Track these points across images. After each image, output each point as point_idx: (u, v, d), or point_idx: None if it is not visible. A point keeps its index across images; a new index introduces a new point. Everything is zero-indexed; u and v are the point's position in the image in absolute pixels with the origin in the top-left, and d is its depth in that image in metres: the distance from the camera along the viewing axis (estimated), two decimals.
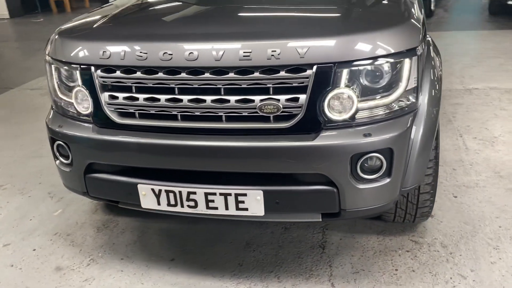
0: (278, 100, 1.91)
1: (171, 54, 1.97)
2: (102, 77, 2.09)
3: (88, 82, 2.13)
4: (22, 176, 3.61)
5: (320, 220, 2.10)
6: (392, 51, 1.91)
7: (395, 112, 1.97)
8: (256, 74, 1.90)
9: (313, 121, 1.93)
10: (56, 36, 2.32)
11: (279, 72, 1.89)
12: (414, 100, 2.01)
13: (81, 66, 2.13)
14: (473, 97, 4.61)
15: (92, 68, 2.10)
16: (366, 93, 1.93)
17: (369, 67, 1.90)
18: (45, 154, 3.94)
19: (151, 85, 2.03)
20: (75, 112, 2.24)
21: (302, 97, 1.90)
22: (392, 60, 1.92)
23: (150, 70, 2.01)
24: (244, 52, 1.90)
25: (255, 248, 2.58)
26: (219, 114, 1.99)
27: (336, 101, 1.91)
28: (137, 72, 2.03)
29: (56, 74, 2.30)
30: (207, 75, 1.95)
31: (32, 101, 5.48)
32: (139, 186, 2.11)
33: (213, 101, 1.97)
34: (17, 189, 3.41)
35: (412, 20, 2.07)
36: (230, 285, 2.33)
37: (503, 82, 4.97)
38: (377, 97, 1.94)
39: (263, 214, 2.02)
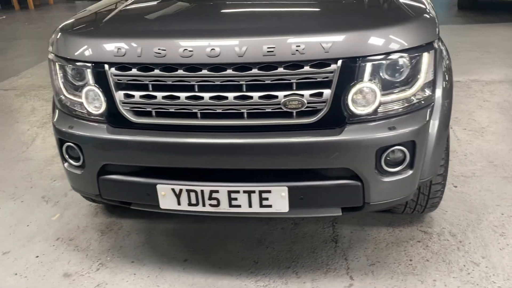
0: (302, 95, 1.91)
1: (192, 51, 1.93)
2: (116, 75, 2.02)
3: (101, 81, 2.06)
4: (11, 180, 3.46)
5: (340, 214, 2.11)
6: (413, 45, 1.93)
7: (414, 105, 2.00)
8: (280, 70, 1.89)
9: (337, 116, 1.93)
10: (61, 33, 2.23)
11: (303, 67, 1.88)
12: (431, 93, 2.05)
13: (93, 64, 2.06)
14: (456, 90, 4.70)
15: (106, 66, 2.03)
16: (387, 86, 1.95)
17: (391, 61, 1.92)
18: (32, 157, 3.80)
19: (170, 82, 1.98)
20: (85, 112, 2.15)
21: (327, 92, 1.90)
22: (413, 54, 1.94)
23: (169, 68, 1.96)
24: (268, 48, 1.88)
25: (268, 245, 2.57)
26: (241, 111, 1.96)
27: (360, 95, 1.92)
28: (155, 70, 1.97)
29: (61, 73, 2.21)
30: (229, 71, 1.92)
31: (7, 102, 5.26)
32: (158, 186, 2.06)
33: (235, 98, 1.94)
34: (8, 194, 3.27)
35: (430, 14, 2.10)
36: (249, 283, 2.31)
37: (483, 74, 5.14)
38: (398, 91, 1.97)
39: (287, 211, 2.02)
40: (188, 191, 2.04)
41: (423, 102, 2.02)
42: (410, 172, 2.01)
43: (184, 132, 2.02)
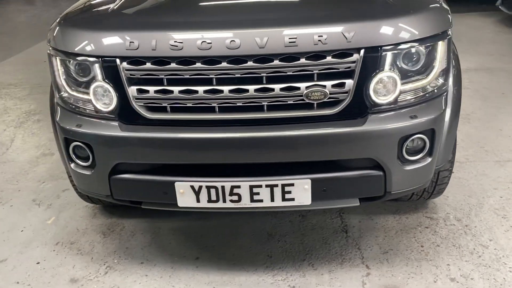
0: (325, 86, 1.89)
1: (210, 43, 1.87)
2: (129, 70, 1.94)
3: (112, 76, 1.97)
4: None
5: (358, 204, 2.11)
6: (431, 33, 1.95)
7: (430, 93, 2.02)
8: (302, 61, 1.86)
9: (359, 106, 1.92)
10: (63, 25, 2.11)
11: (325, 58, 1.86)
12: (444, 81, 2.07)
13: (103, 59, 1.96)
14: None
15: (117, 61, 1.94)
16: (406, 75, 1.96)
17: (410, 50, 1.93)
18: (13, 158, 3.61)
19: (188, 76, 1.91)
20: (93, 109, 2.05)
21: (349, 82, 1.89)
22: (430, 42, 1.95)
23: (186, 61, 1.89)
24: (290, 39, 1.85)
25: (279, 238, 2.55)
26: (261, 104, 1.92)
27: (381, 85, 1.92)
28: (171, 63, 1.90)
29: (63, 68, 2.10)
30: (250, 63, 1.87)
31: None
32: (176, 184, 1.99)
33: (256, 90, 1.90)
34: None
35: (444, 3, 2.12)
36: (267, 278, 2.28)
37: (461, 63, 5.27)
38: (416, 79, 1.98)
39: (310, 203, 2.00)
40: (208, 187, 1.98)
41: (438, 90, 2.04)
42: (429, 159, 2.03)
43: (202, 127, 1.97)
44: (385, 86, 1.93)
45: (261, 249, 2.48)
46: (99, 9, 2.22)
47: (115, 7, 2.19)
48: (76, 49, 2.01)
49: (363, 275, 2.27)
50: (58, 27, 2.13)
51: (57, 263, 2.46)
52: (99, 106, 2.03)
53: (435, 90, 2.03)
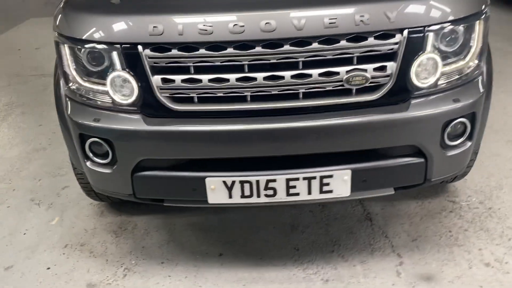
0: (365, 70, 1.78)
1: (243, 26, 1.72)
2: (152, 57, 1.77)
3: (133, 65, 1.80)
4: None
5: (393, 193, 2.03)
6: (471, 12, 1.85)
7: (468, 75, 1.94)
8: (343, 43, 1.74)
9: (402, 91, 1.82)
10: (73, 9, 1.92)
11: (367, 39, 1.75)
12: (481, 62, 1.99)
13: (122, 46, 1.78)
14: None
15: (139, 48, 1.77)
16: (446, 57, 1.87)
17: (451, 30, 1.83)
18: (1, 155, 3.37)
19: (218, 63, 1.76)
20: (110, 102, 1.88)
21: (392, 65, 1.78)
22: (470, 22, 1.86)
23: (216, 46, 1.74)
24: (329, 19, 1.72)
25: (303, 230, 2.45)
26: (298, 91, 1.80)
27: (423, 67, 1.82)
28: (200, 49, 1.75)
29: (73, 57, 1.91)
30: (286, 47, 1.74)
31: None
32: (207, 180, 1.86)
33: (292, 76, 1.77)
34: None
35: None
36: (298, 272, 2.19)
37: None
38: (455, 61, 1.89)
39: (348, 195, 1.90)
40: (242, 182, 1.86)
41: (476, 71, 1.96)
42: (469, 144, 1.96)
43: (234, 118, 1.83)
44: (427, 69, 1.83)
45: (286, 242, 2.38)
46: None
47: None
48: (90, 36, 1.82)
49: (396, 264, 2.21)
50: (67, 11, 1.93)
51: (70, 268, 2.30)
52: (118, 98, 1.86)
53: (473, 72, 1.95)
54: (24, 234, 2.56)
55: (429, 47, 1.80)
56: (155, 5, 1.86)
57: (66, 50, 1.93)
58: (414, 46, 1.78)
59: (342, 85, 1.79)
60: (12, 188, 2.98)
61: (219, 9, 1.77)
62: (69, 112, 1.97)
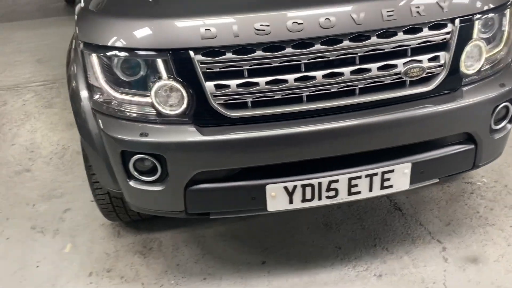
0: (421, 61, 1.77)
1: (302, 23, 1.64)
2: (205, 62, 1.65)
3: (183, 72, 1.66)
4: None
5: (438, 180, 2.05)
6: (505, 0, 1.90)
7: (503, 59, 1.99)
8: (400, 35, 1.72)
9: (454, 79, 1.84)
10: (104, 14, 1.74)
11: (422, 30, 1.74)
12: (509, 47, 2.05)
13: (171, 52, 1.64)
14: None
15: (191, 53, 1.63)
16: (488, 43, 1.90)
17: (490, 17, 1.87)
18: None
19: (276, 64, 1.67)
20: (154, 113, 1.73)
21: (445, 55, 1.79)
22: (504, 10, 1.91)
23: (273, 46, 1.65)
24: (387, 12, 1.69)
25: (338, 227, 2.42)
26: (355, 87, 1.75)
27: (470, 55, 1.84)
28: (257, 51, 1.64)
29: (103, 67, 1.73)
30: (346, 43, 1.68)
31: None
32: (268, 187, 1.76)
33: (352, 72, 1.72)
34: None
35: None
36: (348, 271, 2.15)
37: None
38: (493, 47, 1.93)
39: (407, 188, 1.89)
40: (304, 186, 1.78)
41: (508, 57, 2.02)
42: (509, 127, 2.02)
43: (291, 121, 1.75)
44: (473, 56, 1.85)
45: (325, 242, 2.33)
46: None
47: None
48: (129, 43, 1.67)
49: (439, 250, 2.24)
50: (97, 17, 1.75)
51: None
52: (165, 109, 1.71)
53: (507, 56, 2.00)
54: (37, 266, 2.31)
55: (475, 34, 1.83)
56: (205, 5, 1.73)
57: (95, 61, 1.75)
58: (464, 35, 1.80)
59: (401, 78, 1.76)
60: (5, 217, 2.69)
61: (275, 7, 1.67)
62: (103, 128, 1.78)
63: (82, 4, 1.87)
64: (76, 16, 1.87)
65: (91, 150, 1.93)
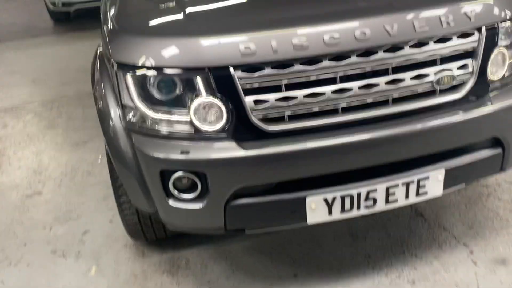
0: (451, 69, 1.81)
1: (338, 37, 1.67)
2: (245, 78, 1.66)
3: (223, 89, 1.67)
4: None
5: (464, 186, 2.10)
6: None
7: None
8: (431, 45, 1.76)
9: (482, 86, 1.89)
10: (139, 33, 1.74)
11: (451, 39, 1.78)
12: None
13: (211, 70, 1.65)
14: None
15: (231, 70, 1.64)
16: (510, 49, 1.96)
17: (510, 25, 1.93)
18: None
19: (314, 77, 1.69)
20: (192, 131, 1.73)
21: (473, 63, 1.84)
22: None
23: (310, 60, 1.67)
24: (419, 23, 1.73)
25: (364, 236, 2.43)
26: (389, 97, 1.78)
27: (495, 61, 1.90)
28: (295, 65, 1.66)
29: (139, 87, 1.73)
30: (380, 54, 1.72)
31: None
32: (308, 199, 1.77)
33: (386, 83, 1.75)
34: None
35: None
36: (381, 279, 2.16)
37: None
38: None
39: (441, 194, 1.92)
40: (343, 197, 1.80)
41: None
42: None
43: (329, 132, 1.77)
44: (498, 63, 1.91)
45: (355, 251, 2.34)
46: (182, 10, 1.85)
47: (189, 9, 1.85)
48: (169, 62, 1.67)
49: (467, 254, 2.27)
50: (130, 37, 1.74)
51: None
52: (203, 125, 1.72)
53: None
54: None
55: (500, 41, 1.89)
56: (240, 22, 1.75)
57: (130, 81, 1.74)
58: (490, 42, 1.86)
59: (432, 86, 1.81)
60: (23, 242, 2.63)
61: (311, 22, 1.70)
62: (140, 148, 1.77)
63: (113, 24, 1.87)
64: (107, 37, 1.86)
65: (123, 170, 1.91)
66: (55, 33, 7.48)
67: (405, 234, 2.43)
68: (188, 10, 1.88)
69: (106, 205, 2.85)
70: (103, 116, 1.96)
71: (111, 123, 1.91)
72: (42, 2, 8.11)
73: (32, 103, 4.50)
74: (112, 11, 1.99)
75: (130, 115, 1.80)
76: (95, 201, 2.90)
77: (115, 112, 1.90)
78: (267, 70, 1.66)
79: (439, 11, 1.77)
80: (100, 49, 2.15)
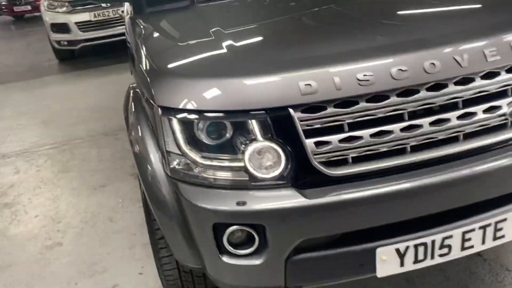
0: None
1: (406, 70, 1.52)
2: (305, 119, 1.50)
3: (281, 131, 1.51)
4: None
5: None
6: None
7: None
8: (503, 75, 1.61)
9: None
10: (187, 75, 1.59)
11: None
12: None
13: (269, 112, 1.49)
14: None
15: (290, 111, 1.48)
16: None
17: None
18: (9, 262, 2.75)
19: (381, 115, 1.53)
20: (246, 178, 1.55)
21: None
22: None
23: (377, 96, 1.52)
24: (490, 52, 1.58)
25: (421, 281, 2.23)
26: (461, 133, 1.62)
27: None
28: (360, 103, 1.51)
29: (185, 133, 1.57)
30: (451, 87, 1.56)
31: None
32: (378, 250, 1.58)
33: (458, 117, 1.59)
34: None
35: None
36: None
37: None
38: None
39: None
40: (416, 246, 1.61)
41: None
42: None
43: (397, 175, 1.59)
44: None
45: None
46: (211, 46, 1.71)
47: (234, 44, 1.71)
48: (220, 106, 1.51)
49: None
50: (177, 80, 1.59)
51: None
52: (260, 172, 1.54)
53: None
54: None
55: None
56: (300, 58, 1.59)
57: (176, 126, 1.58)
58: None
59: (506, 119, 1.65)
60: None
61: (376, 55, 1.55)
62: (189, 199, 1.59)
63: (155, 65, 1.72)
64: (148, 79, 1.71)
65: (166, 222, 1.73)
66: (60, 71, 7.42)
67: (466, 277, 2.23)
68: (230, 42, 1.75)
69: (133, 255, 2.65)
70: (141, 162, 1.80)
71: (150, 170, 1.74)
72: (46, 41, 8.11)
73: (43, 146, 4.34)
74: (149, 49, 1.85)
75: (175, 163, 1.63)
76: (121, 251, 2.70)
77: (155, 158, 1.74)
78: (330, 109, 1.50)
79: (509, 38, 1.63)
80: (133, 90, 2.00)
